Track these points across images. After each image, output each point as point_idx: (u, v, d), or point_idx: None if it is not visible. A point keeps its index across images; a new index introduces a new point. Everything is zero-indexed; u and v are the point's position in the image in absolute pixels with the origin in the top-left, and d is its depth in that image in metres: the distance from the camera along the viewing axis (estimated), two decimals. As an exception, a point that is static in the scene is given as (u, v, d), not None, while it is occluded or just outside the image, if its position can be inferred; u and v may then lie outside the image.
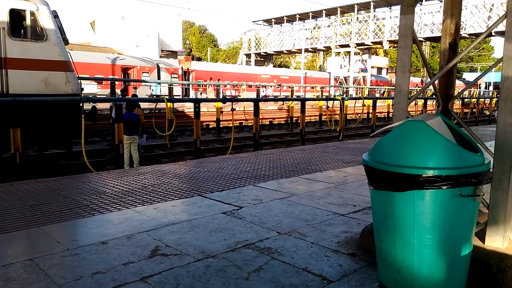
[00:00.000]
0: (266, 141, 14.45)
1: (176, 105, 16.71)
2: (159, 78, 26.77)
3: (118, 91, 15.41)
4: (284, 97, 24.84)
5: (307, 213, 3.99)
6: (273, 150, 8.99)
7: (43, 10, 8.46)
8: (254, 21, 48.97)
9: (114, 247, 3.11)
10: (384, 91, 37.34)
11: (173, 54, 43.50)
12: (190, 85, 26.57)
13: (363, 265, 2.81)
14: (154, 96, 21.92)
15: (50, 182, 5.46)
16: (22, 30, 8.46)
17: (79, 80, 9.75)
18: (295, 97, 27.14)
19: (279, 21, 45.83)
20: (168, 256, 2.97)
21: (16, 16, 8.18)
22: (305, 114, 13.16)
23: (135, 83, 23.25)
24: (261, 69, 41.80)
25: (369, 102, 20.31)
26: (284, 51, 46.40)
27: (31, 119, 8.20)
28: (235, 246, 3.15)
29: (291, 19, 44.84)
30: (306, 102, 14.05)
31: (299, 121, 13.94)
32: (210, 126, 17.53)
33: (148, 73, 27.42)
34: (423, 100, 20.99)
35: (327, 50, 43.67)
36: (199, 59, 61.27)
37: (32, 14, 8.30)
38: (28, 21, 8.32)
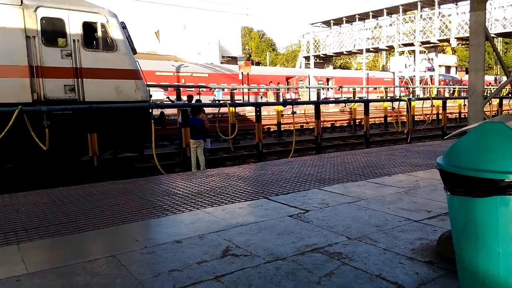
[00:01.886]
0: (329, 144, 14.26)
1: (238, 109, 17.04)
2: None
3: (184, 97, 16.06)
4: (345, 98, 24.35)
5: (377, 219, 3.88)
6: (337, 153, 8.85)
7: (112, 22, 9.02)
8: (312, 24, 48.63)
9: (187, 246, 3.25)
10: (454, 90, 35.24)
11: (233, 59, 44.44)
12: (250, 90, 26.99)
13: (442, 273, 2.68)
14: (217, 101, 22.54)
15: (126, 183, 5.83)
16: (94, 42, 9.08)
17: (147, 87, 10.29)
18: (357, 98, 26.49)
19: (337, 22, 45.09)
20: (239, 256, 3.04)
21: (89, 28, 8.79)
22: (368, 115, 12.80)
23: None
24: (320, 71, 41.34)
25: (438, 103, 19.26)
26: (344, 52, 45.56)
27: (106, 125, 8.80)
28: (304, 250, 3.14)
29: (350, 19, 43.94)
30: (370, 104, 13.66)
31: (362, 123, 13.58)
32: (271, 130, 17.65)
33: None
34: (498, 100, 19.49)
35: (390, 49, 42.21)
36: (258, 63, 62.02)
37: (102, 26, 8.88)
38: (99, 33, 8.92)
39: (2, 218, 4.17)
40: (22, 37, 7.84)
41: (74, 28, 8.41)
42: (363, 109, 12.95)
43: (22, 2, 7.86)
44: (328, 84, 36.20)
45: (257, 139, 10.36)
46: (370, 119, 13.50)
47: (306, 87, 29.87)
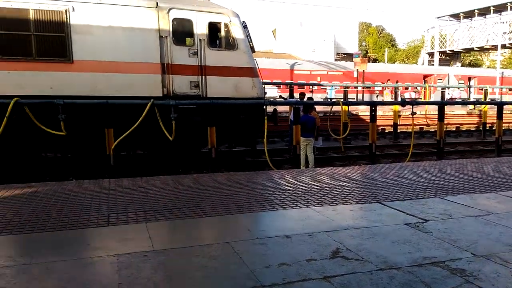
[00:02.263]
0: (452, 149, 13.01)
1: (351, 108, 16.56)
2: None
3: (296, 95, 16.22)
4: (475, 100, 21.93)
5: (509, 237, 3.42)
6: (462, 160, 8.04)
7: (235, 22, 9.46)
8: (438, 17, 44.82)
9: (297, 242, 3.27)
10: None
11: (349, 56, 43.33)
12: (364, 88, 26.04)
13: None
14: (329, 100, 22.27)
15: (240, 176, 6.12)
16: (218, 41, 9.63)
17: (263, 85, 10.60)
18: (489, 100, 23.67)
19: (468, 15, 40.78)
20: (349, 260, 2.96)
21: (213, 28, 9.36)
22: (502, 120, 11.33)
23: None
24: (448, 69, 37.90)
25: None
26: (475, 48, 41.05)
27: (224, 119, 9.33)
28: (422, 262, 2.92)
29: (483, 12, 39.37)
30: (504, 107, 12.07)
31: (493, 128, 12.08)
32: (386, 131, 16.79)
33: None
34: None
35: (532, 45, 36.71)
36: (375, 60, 59.47)
37: (226, 26, 9.37)
38: (222, 33, 9.44)
39: (134, 198, 4.72)
40: (156, 37, 8.72)
41: (200, 28, 9.06)
42: (495, 112, 11.51)
43: (157, 4, 8.73)
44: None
45: (370, 140, 9.95)
46: (504, 124, 11.95)
47: (430, 86, 27.66)
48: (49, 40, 7.87)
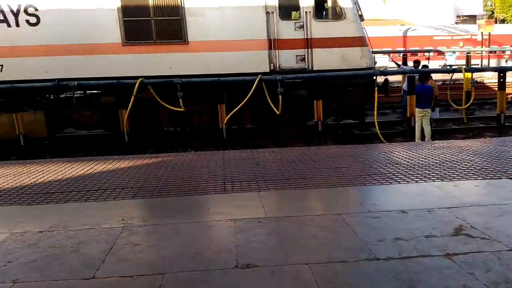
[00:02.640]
0: None
1: (475, 75, 14.85)
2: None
3: (410, 63, 15.08)
4: None
5: None
6: None
7: None
8: None
9: (414, 218, 3.10)
10: None
11: (471, 19, 38.58)
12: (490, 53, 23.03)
13: None
14: (448, 67, 20.23)
15: (348, 148, 5.97)
16: (324, 12, 9.33)
17: (372, 54, 10.05)
18: None
19: None
20: (475, 238, 2.71)
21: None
22: None
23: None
24: None
25: None
26: None
27: (330, 92, 9.13)
28: None
29: None
30: None
31: None
32: (517, 100, 14.70)
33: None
34: None
35: None
36: (503, 21, 51.97)
37: None
38: (329, 3, 9.10)
39: (246, 169, 4.94)
40: (263, 14, 8.80)
41: (306, 0, 8.89)
42: None
43: (264, -20, 8.77)
44: None
45: (499, 110, 8.82)
46: None
47: None
48: (167, 24, 8.50)
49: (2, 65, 8.12)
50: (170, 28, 8.51)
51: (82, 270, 2.48)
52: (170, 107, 8.04)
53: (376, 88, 8.57)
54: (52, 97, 9.24)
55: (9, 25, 8.03)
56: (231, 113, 8.08)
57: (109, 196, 3.98)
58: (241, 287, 2.23)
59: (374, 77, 8.97)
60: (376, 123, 8.42)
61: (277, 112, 8.17)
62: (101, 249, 2.76)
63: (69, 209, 3.65)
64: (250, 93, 7.93)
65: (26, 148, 7.90)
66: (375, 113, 8.41)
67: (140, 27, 8.41)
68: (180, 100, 7.86)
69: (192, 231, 3.03)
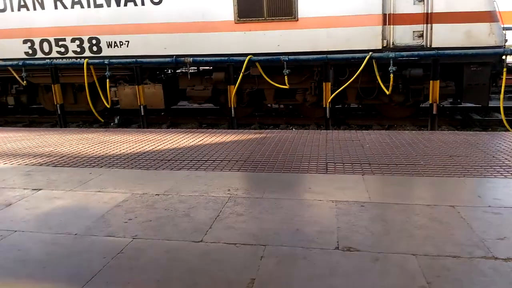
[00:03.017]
0: None
1: None
2: None
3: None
4: None
5: None
6: None
7: None
8: None
9: (546, 219, 2.70)
10: None
11: None
12: None
13: None
14: None
15: (467, 135, 5.41)
16: None
17: (504, 31, 8.84)
18: None
19: None
20: None
21: None
22: None
23: None
24: None
25: None
26: None
27: (450, 71, 8.31)
28: None
29: None
30: None
31: None
32: None
33: None
34: None
35: None
36: None
37: None
38: None
39: (350, 150, 4.80)
40: (379, -14, 8.28)
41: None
42: None
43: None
44: None
45: None
46: None
47: None
48: (278, 1, 8.51)
49: (128, 41, 9.00)
50: (281, 5, 8.51)
51: (191, 233, 2.68)
52: (275, 84, 8.13)
53: (505, 69, 7.57)
54: (169, 72, 10.01)
55: (135, 4, 8.82)
56: (336, 92, 7.88)
57: (217, 167, 4.21)
58: (341, 269, 2.19)
59: (504, 57, 7.92)
60: (501, 109, 7.48)
61: (387, 92, 7.73)
62: (208, 216, 2.95)
63: (181, 175, 3.95)
64: (359, 71, 7.62)
65: (146, 118, 8.72)
66: (501, 96, 7.46)
67: (252, 4, 8.55)
68: (286, 78, 7.89)
69: (293, 208, 3.06)
